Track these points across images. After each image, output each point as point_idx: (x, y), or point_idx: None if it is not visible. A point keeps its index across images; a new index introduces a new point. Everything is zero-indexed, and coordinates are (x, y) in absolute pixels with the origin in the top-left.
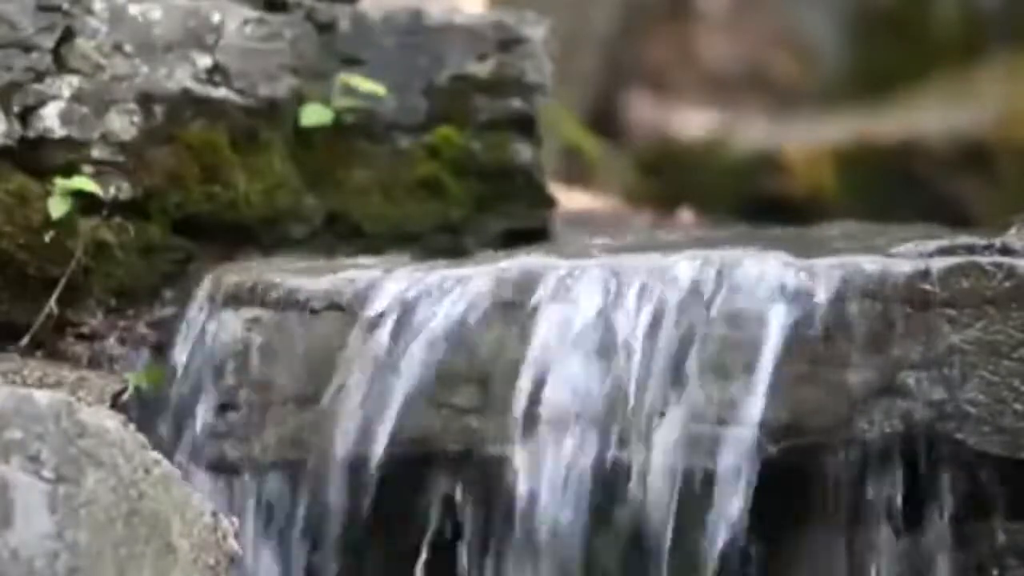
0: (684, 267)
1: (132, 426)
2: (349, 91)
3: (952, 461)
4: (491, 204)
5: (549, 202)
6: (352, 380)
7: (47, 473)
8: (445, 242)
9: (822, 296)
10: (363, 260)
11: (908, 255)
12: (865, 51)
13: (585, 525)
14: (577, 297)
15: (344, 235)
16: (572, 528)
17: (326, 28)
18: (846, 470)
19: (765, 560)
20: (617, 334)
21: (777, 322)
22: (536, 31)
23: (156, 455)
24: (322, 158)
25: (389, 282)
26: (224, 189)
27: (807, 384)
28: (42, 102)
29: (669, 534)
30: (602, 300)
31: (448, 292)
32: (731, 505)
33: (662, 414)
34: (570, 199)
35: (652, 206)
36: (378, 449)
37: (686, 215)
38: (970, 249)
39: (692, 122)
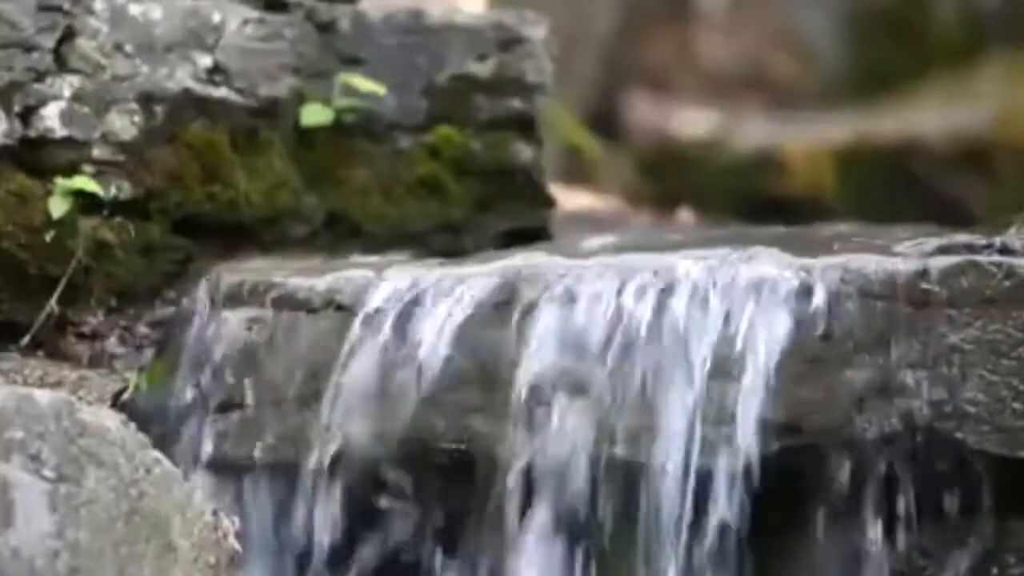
0: (683, 267)
1: (132, 425)
2: (349, 91)
3: (951, 460)
4: (491, 204)
5: (549, 202)
6: (352, 379)
7: (48, 472)
8: (445, 242)
9: (821, 295)
10: (363, 259)
11: (908, 255)
12: (865, 51)
13: (587, 524)
14: (577, 297)
15: (344, 235)
16: (573, 527)
17: (326, 28)
18: (845, 469)
19: (763, 560)
20: (617, 333)
21: (776, 321)
22: (536, 31)
23: (157, 454)
24: (322, 158)
25: (389, 282)
26: (224, 189)
27: (806, 383)
28: (43, 102)
29: (672, 532)
30: (602, 299)
31: (448, 291)
32: (731, 503)
33: (662, 413)
34: (570, 199)
35: (652, 206)
36: (378, 448)
37: (686, 215)
38: (970, 248)
39: (692, 122)
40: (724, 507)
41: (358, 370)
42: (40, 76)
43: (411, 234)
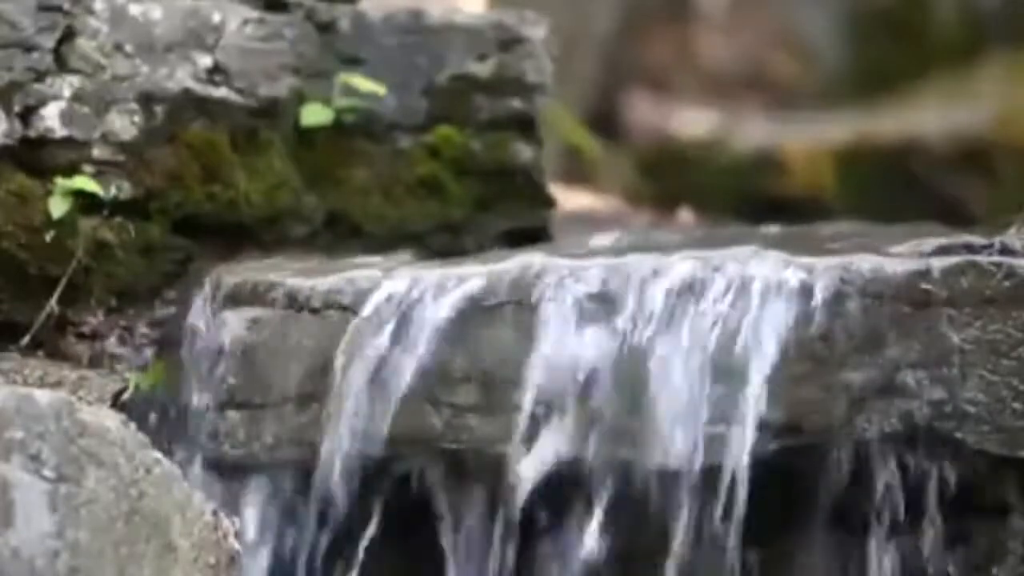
0: (684, 266)
1: (133, 425)
2: (349, 91)
3: (951, 460)
4: (491, 204)
5: (549, 202)
6: (352, 379)
7: (48, 472)
8: (445, 242)
9: (821, 295)
10: (363, 260)
11: (908, 255)
12: (865, 51)
13: (587, 525)
14: (577, 296)
15: (344, 235)
16: (573, 528)
17: (326, 28)
18: (845, 469)
19: (764, 559)
20: (617, 333)
21: (776, 321)
22: (536, 31)
23: (157, 454)
24: (322, 158)
25: (389, 281)
26: (224, 189)
27: (806, 383)
28: (43, 102)
29: (673, 533)
30: (602, 299)
31: (448, 291)
32: (731, 504)
33: (662, 413)
34: (570, 199)
35: (652, 206)
36: (378, 449)
37: (686, 215)
38: (970, 248)
39: (692, 122)
40: (724, 507)
41: (358, 370)
42: (40, 76)
43: (411, 234)
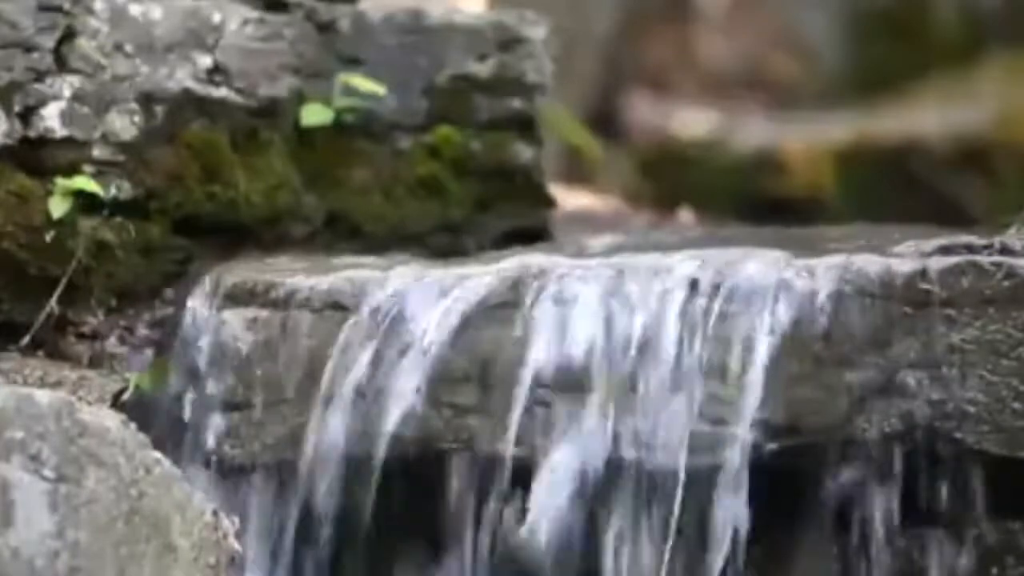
0: (684, 267)
1: (133, 425)
2: (349, 91)
3: (951, 460)
4: (491, 204)
5: (549, 202)
6: (352, 379)
7: (48, 472)
8: (445, 242)
9: (822, 295)
10: (363, 260)
11: (908, 255)
12: (865, 51)
13: (584, 526)
14: (577, 297)
15: (344, 235)
16: (571, 529)
17: (326, 28)
18: (845, 470)
19: (762, 560)
20: (616, 334)
21: (776, 321)
22: (536, 31)
23: (157, 454)
24: (322, 158)
25: (389, 281)
26: (224, 189)
27: (806, 383)
28: (43, 102)
29: (670, 533)
30: (602, 300)
31: (448, 291)
32: (731, 504)
33: (661, 413)
34: (570, 199)
35: (652, 206)
36: (378, 449)
37: (686, 215)
38: (969, 248)
39: (692, 122)
40: (723, 508)
41: (357, 370)
42: (40, 76)
43: (411, 234)
